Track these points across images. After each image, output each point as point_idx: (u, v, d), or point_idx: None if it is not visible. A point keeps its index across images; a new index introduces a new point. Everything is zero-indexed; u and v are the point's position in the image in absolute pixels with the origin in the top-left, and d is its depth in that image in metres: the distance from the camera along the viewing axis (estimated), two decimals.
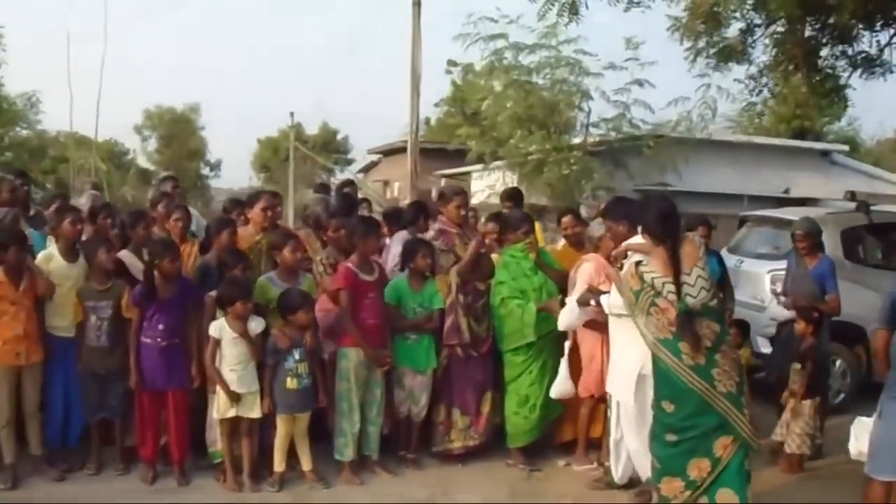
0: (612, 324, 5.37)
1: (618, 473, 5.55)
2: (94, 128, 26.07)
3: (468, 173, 21.03)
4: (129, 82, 49.52)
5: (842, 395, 7.81)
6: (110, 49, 17.61)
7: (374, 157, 35.75)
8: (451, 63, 36.18)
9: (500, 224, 6.60)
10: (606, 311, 5.36)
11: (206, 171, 49.25)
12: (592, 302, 5.52)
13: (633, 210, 5.43)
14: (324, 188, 10.07)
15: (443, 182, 24.24)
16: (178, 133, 46.64)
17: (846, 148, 21.99)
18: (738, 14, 8.65)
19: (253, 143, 52.81)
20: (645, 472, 5.26)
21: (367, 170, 38.20)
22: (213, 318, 5.61)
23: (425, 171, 17.50)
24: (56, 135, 28.74)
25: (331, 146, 49.63)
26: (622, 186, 16.61)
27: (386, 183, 31.96)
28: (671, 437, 4.72)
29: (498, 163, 16.88)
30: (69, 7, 27.83)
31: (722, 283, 6.97)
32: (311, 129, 48.55)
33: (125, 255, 6.11)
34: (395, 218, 7.37)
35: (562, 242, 6.69)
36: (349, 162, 49.40)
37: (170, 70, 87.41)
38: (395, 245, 6.51)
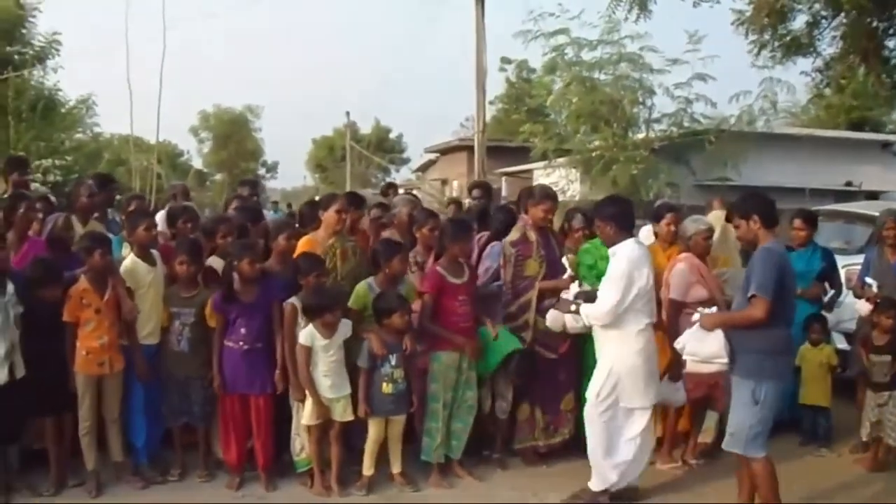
0: (625, 331, 5.21)
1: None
2: (156, 130, 25.95)
3: (530, 171, 20.88)
4: (181, 84, 50.17)
5: None
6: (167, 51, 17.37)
7: (432, 156, 35.68)
8: (505, 60, 36.21)
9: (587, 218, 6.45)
10: (586, 321, 5.33)
11: (262, 171, 49.70)
12: (573, 308, 5.44)
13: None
14: (392, 188, 10.05)
15: (503, 180, 24.10)
16: (234, 134, 46.94)
17: None
18: (803, 7, 8.38)
19: (308, 143, 53.31)
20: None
21: (424, 168, 38.22)
22: (292, 325, 5.50)
23: (486, 168, 17.32)
24: (111, 137, 28.95)
25: (385, 145, 49.79)
26: (684, 182, 16.37)
27: (444, 181, 31.88)
28: None
29: (560, 160, 16.70)
30: (127, 7, 27.50)
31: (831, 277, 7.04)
32: (365, 128, 48.75)
33: (214, 261, 6.02)
34: (483, 219, 7.12)
35: (652, 238, 6.50)
36: (404, 161, 49.51)
37: (224, 72, 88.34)
38: (486, 260, 6.25)
